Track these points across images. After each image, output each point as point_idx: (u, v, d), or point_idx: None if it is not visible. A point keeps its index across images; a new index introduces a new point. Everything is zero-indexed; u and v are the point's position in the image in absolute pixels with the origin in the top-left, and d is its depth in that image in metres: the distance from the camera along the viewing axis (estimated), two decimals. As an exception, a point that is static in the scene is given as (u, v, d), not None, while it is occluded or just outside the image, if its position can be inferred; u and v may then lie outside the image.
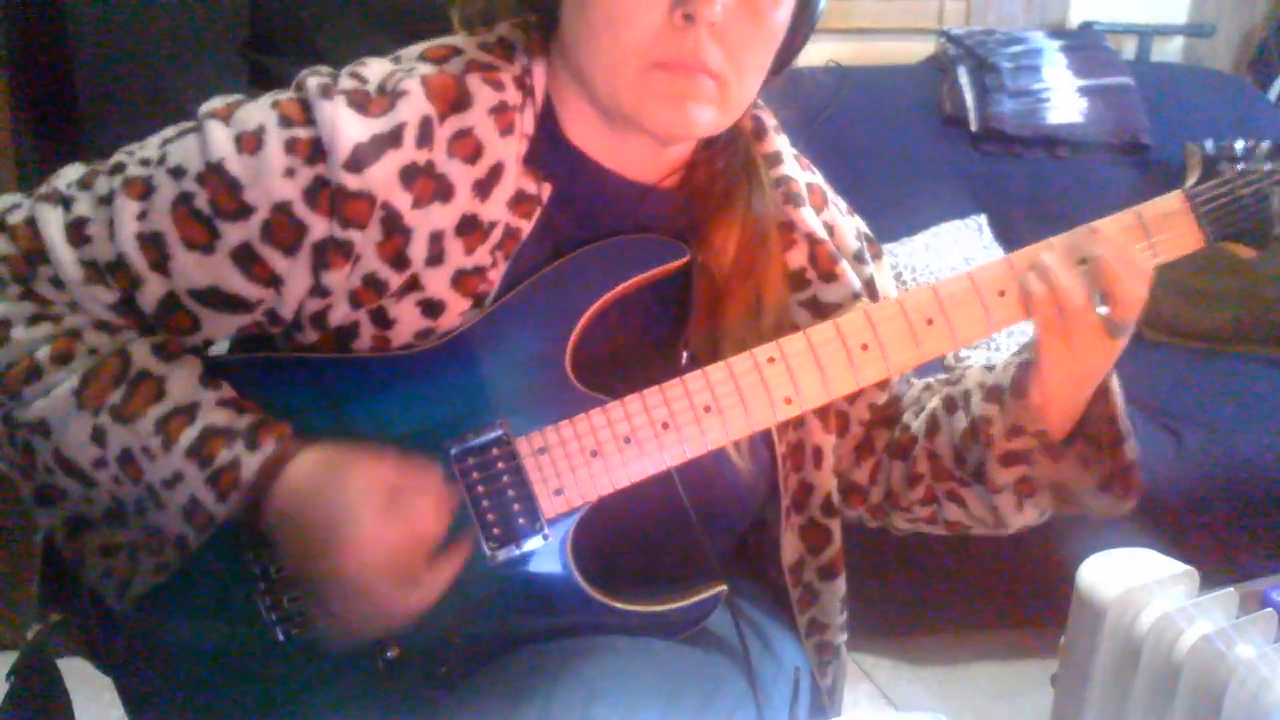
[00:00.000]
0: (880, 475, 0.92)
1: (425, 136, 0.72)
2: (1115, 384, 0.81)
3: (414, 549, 0.70)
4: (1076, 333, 0.75)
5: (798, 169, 0.87)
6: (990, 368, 0.87)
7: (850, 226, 0.89)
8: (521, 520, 0.75)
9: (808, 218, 0.85)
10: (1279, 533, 1.79)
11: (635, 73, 0.71)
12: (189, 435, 0.71)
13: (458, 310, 0.76)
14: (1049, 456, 0.80)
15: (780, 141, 0.87)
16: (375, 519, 0.69)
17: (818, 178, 0.89)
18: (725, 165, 0.82)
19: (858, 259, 0.87)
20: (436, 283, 0.75)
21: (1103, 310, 0.74)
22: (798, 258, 0.85)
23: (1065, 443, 0.81)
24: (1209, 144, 0.81)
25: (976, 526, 0.89)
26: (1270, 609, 0.84)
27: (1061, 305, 0.75)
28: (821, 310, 0.84)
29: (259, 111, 0.72)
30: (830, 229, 0.87)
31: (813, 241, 0.85)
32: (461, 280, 0.75)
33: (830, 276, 0.85)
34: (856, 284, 0.85)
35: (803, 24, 0.76)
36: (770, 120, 0.87)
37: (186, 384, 0.73)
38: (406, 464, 0.72)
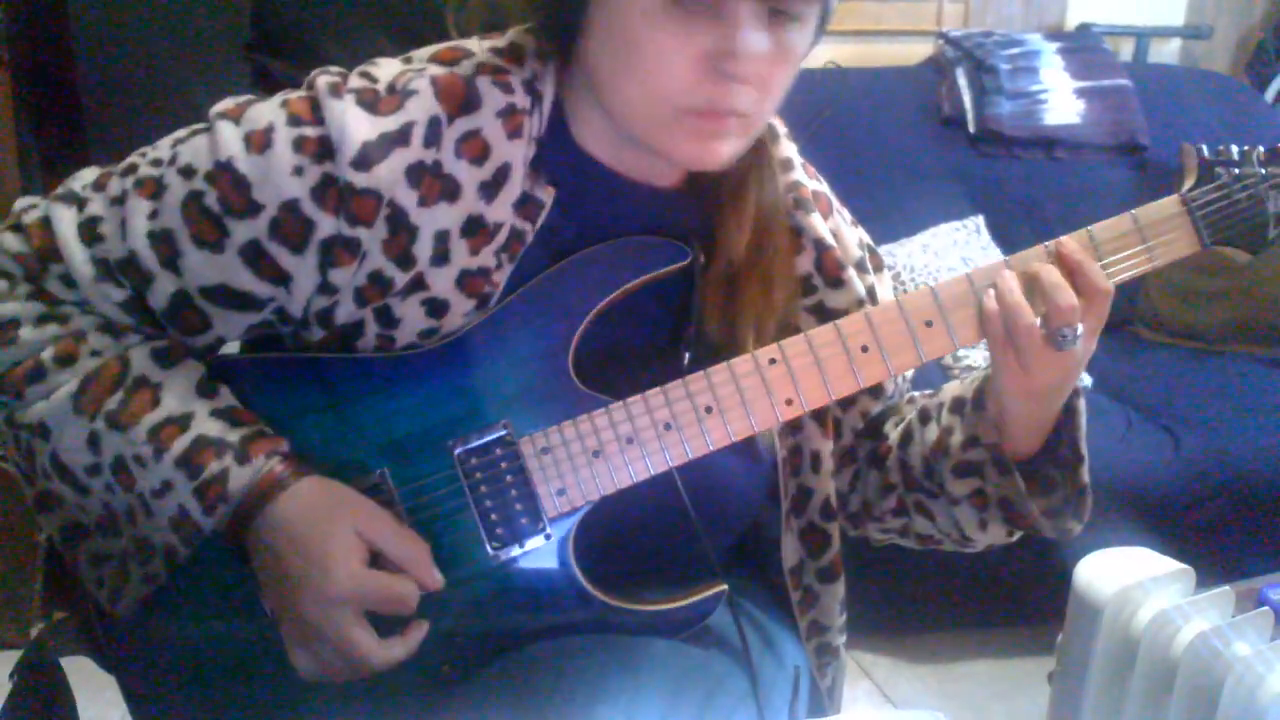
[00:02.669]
0: (859, 484, 0.92)
1: (433, 136, 0.73)
2: (1081, 405, 0.81)
3: (374, 614, 0.71)
4: (1024, 349, 0.74)
5: (806, 177, 0.88)
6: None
7: (854, 236, 0.89)
8: (524, 519, 0.76)
9: (816, 223, 0.85)
10: (1275, 531, 1.80)
11: (665, 115, 0.71)
12: (180, 445, 0.72)
13: (461, 311, 0.76)
14: (998, 471, 0.80)
15: (790, 148, 0.87)
16: (346, 579, 0.70)
17: (824, 186, 0.90)
18: (735, 163, 0.82)
19: (860, 268, 0.88)
20: (441, 282, 0.75)
21: (1050, 328, 0.74)
22: (804, 263, 0.85)
23: (1030, 462, 0.81)
24: (1205, 148, 0.81)
25: (945, 542, 0.89)
26: (1266, 607, 0.85)
27: (1010, 322, 0.75)
28: (827, 315, 0.84)
29: (269, 110, 0.73)
30: (835, 236, 0.87)
31: (820, 248, 0.85)
32: (466, 281, 0.76)
33: (837, 282, 0.85)
34: (861, 290, 0.86)
35: (818, 34, 0.76)
36: (781, 128, 0.87)
37: (182, 392, 0.74)
38: (402, 536, 0.73)
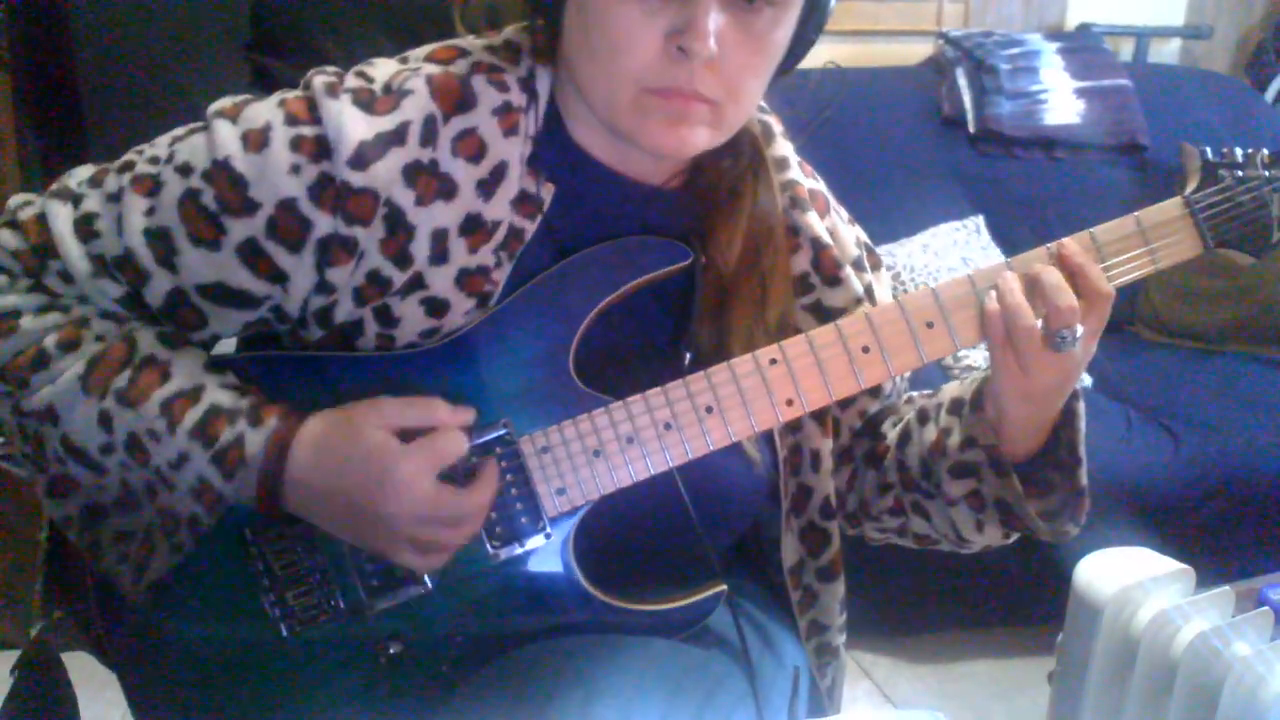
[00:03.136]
0: (856, 483, 0.92)
1: (429, 135, 0.73)
2: (1080, 408, 0.81)
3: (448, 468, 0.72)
4: (1024, 350, 0.74)
5: (802, 175, 0.88)
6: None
7: (850, 235, 0.89)
8: (524, 519, 0.76)
9: (813, 222, 0.85)
10: (1275, 531, 1.80)
11: (631, 97, 0.71)
12: (193, 416, 0.72)
13: (461, 310, 0.77)
14: (995, 473, 0.80)
15: (786, 147, 0.87)
16: (403, 458, 0.70)
17: (820, 185, 0.90)
18: (731, 165, 0.82)
19: (857, 267, 0.88)
20: (440, 282, 0.75)
21: (1050, 329, 0.74)
22: (801, 262, 0.85)
23: (1028, 464, 0.81)
24: (1208, 150, 0.81)
25: (942, 542, 0.89)
26: (1266, 607, 0.85)
27: (1010, 323, 0.75)
28: (825, 314, 0.85)
29: (266, 110, 0.73)
30: (832, 234, 0.87)
31: (817, 246, 0.85)
32: (465, 280, 0.76)
33: (834, 281, 0.86)
34: (859, 288, 0.86)
35: (809, 30, 0.76)
36: (777, 126, 0.87)
37: (191, 368, 0.74)
38: (405, 401, 0.73)
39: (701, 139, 0.73)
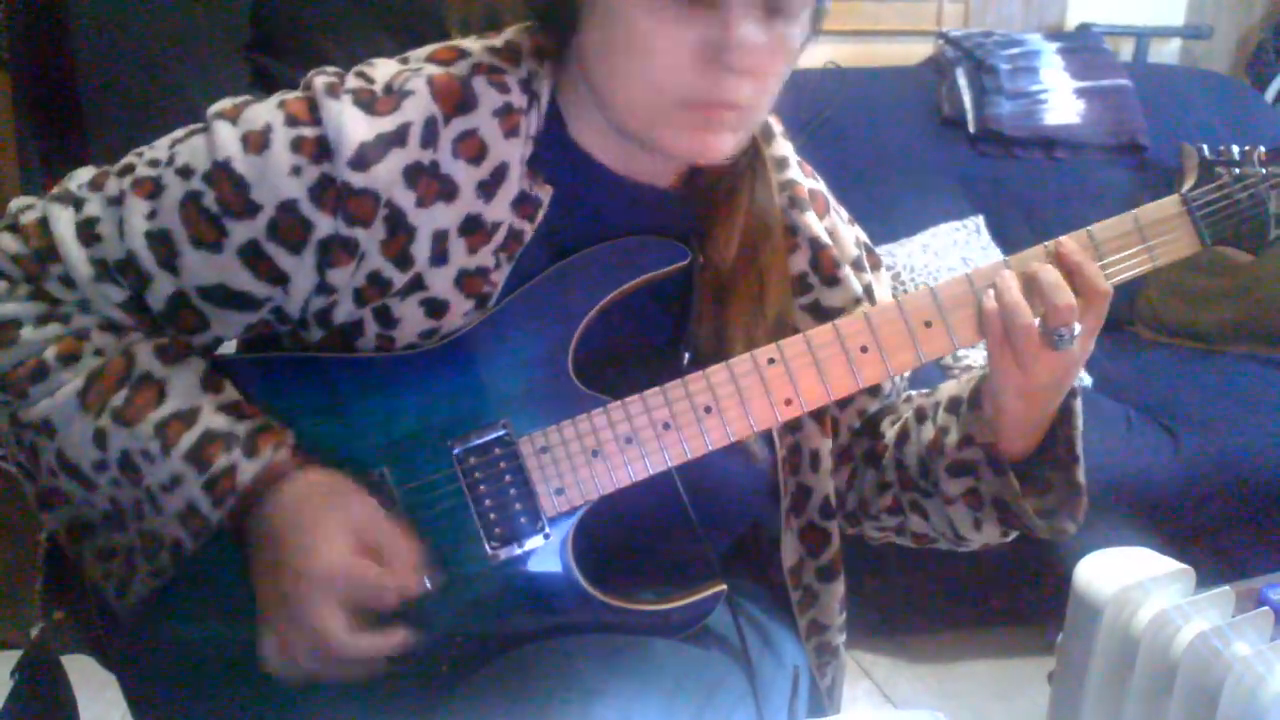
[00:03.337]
0: (855, 482, 0.93)
1: (430, 136, 0.73)
2: (1078, 406, 0.81)
3: (352, 604, 0.71)
4: (1022, 348, 0.75)
5: (801, 175, 0.88)
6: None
7: (850, 235, 0.90)
8: (523, 519, 0.76)
9: (811, 222, 0.86)
10: (1275, 531, 1.80)
11: (662, 107, 0.71)
12: (188, 439, 0.72)
13: (461, 311, 0.77)
14: (992, 471, 0.80)
15: (786, 147, 0.87)
16: (329, 556, 0.70)
17: (820, 185, 0.90)
18: (731, 164, 0.82)
19: (856, 267, 0.88)
20: (440, 283, 0.75)
21: (1048, 327, 0.74)
22: (799, 262, 0.85)
23: (1026, 462, 0.81)
24: (1205, 148, 0.81)
25: (940, 541, 0.89)
26: (1266, 607, 0.85)
27: (1008, 321, 0.75)
28: (823, 314, 0.85)
29: (266, 111, 0.73)
30: (831, 234, 0.87)
31: (816, 246, 0.86)
32: (465, 281, 0.76)
33: (833, 280, 0.86)
34: (858, 288, 0.86)
35: (810, 31, 0.76)
36: (777, 126, 0.88)
37: (188, 387, 0.74)
38: (394, 533, 0.73)
39: (728, 145, 0.73)
